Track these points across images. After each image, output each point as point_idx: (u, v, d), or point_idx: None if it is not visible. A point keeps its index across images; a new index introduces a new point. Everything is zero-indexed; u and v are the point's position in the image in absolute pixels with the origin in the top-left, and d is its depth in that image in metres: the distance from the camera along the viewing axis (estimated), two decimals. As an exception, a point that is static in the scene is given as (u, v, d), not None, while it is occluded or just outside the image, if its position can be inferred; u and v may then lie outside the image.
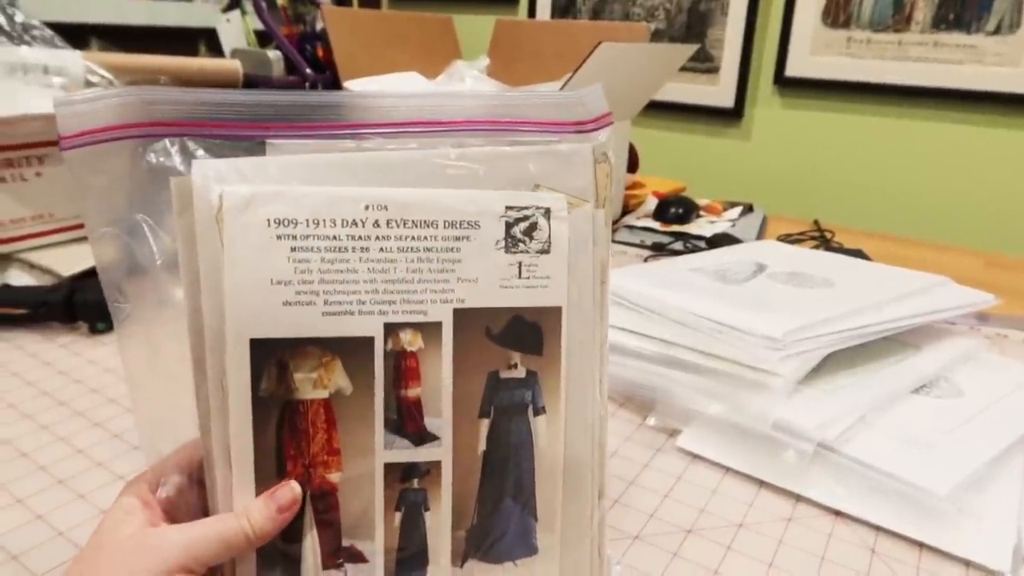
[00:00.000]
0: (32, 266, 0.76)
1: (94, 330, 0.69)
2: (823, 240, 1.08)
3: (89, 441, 0.52)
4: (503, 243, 0.32)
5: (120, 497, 0.31)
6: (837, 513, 0.48)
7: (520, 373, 0.33)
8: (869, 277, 0.71)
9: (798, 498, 0.50)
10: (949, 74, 1.53)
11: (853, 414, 0.52)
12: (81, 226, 0.81)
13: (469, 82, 1.16)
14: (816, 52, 1.67)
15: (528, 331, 0.33)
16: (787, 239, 1.07)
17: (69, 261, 0.76)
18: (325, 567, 0.32)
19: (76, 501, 0.46)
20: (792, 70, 1.71)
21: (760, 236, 1.10)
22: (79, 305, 0.68)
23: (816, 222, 1.17)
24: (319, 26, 1.20)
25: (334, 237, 0.31)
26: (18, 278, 0.75)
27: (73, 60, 0.81)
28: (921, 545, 0.45)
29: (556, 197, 0.33)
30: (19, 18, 0.79)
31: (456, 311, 0.32)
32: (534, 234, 0.33)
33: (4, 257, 0.76)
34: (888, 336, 0.60)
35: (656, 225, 1.11)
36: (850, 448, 0.50)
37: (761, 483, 0.51)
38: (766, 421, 0.51)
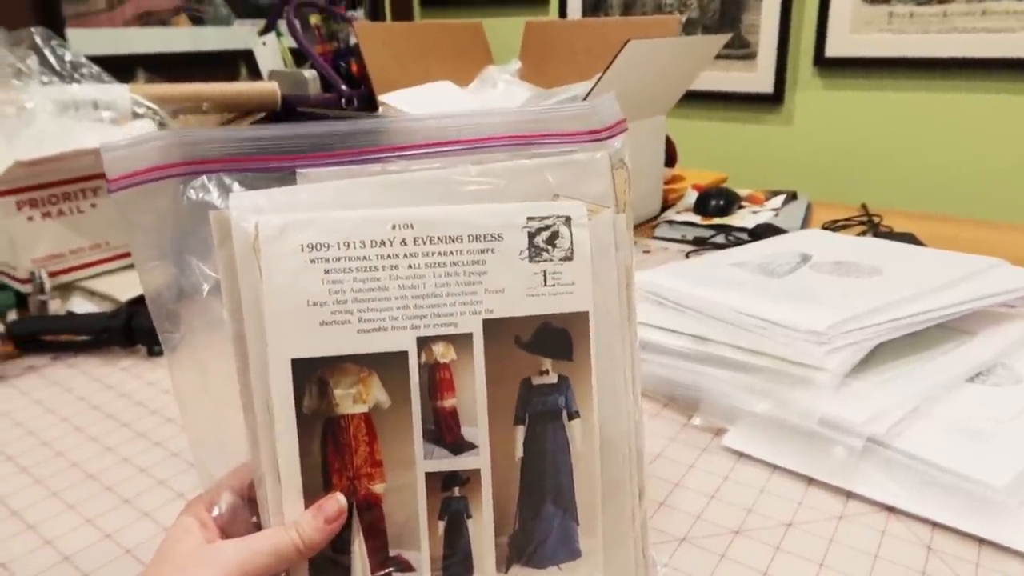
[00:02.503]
0: (92, 293, 0.80)
1: (152, 353, 0.72)
2: (871, 225, 1.06)
3: (150, 461, 0.54)
4: (527, 253, 0.33)
5: (179, 517, 0.33)
6: (890, 509, 0.47)
7: (552, 379, 0.34)
8: (919, 262, 0.69)
9: (849, 495, 0.49)
10: (1000, 43, 1.48)
11: (905, 406, 0.51)
12: (135, 253, 0.85)
13: (501, 86, 1.17)
14: (856, 30, 1.63)
15: (557, 337, 0.33)
16: (833, 226, 1.05)
17: (126, 287, 0.79)
18: (374, 576, 0.33)
19: (141, 519, 0.48)
20: (832, 50, 1.67)
21: (805, 224, 1.07)
22: (137, 329, 0.71)
23: (864, 206, 1.14)
24: (352, 41, 1.23)
25: (364, 258, 0.32)
26: (80, 305, 0.79)
27: (120, 94, 0.84)
28: (981, 540, 0.44)
29: (576, 205, 0.33)
30: (68, 57, 0.83)
31: (485, 321, 0.33)
32: (556, 242, 0.33)
33: (66, 286, 0.80)
34: (941, 323, 0.58)
35: (697, 219, 1.10)
36: (902, 442, 0.48)
37: (810, 480, 0.50)
38: (813, 417, 0.51)
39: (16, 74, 0.77)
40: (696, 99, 1.87)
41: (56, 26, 1.58)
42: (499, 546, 0.34)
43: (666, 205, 1.19)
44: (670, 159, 1.23)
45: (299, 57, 1.28)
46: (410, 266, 0.32)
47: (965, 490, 0.45)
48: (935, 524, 0.45)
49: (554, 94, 1.05)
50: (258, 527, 0.33)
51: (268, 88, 1.04)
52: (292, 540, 0.31)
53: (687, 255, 0.98)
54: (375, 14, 2.30)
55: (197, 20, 1.84)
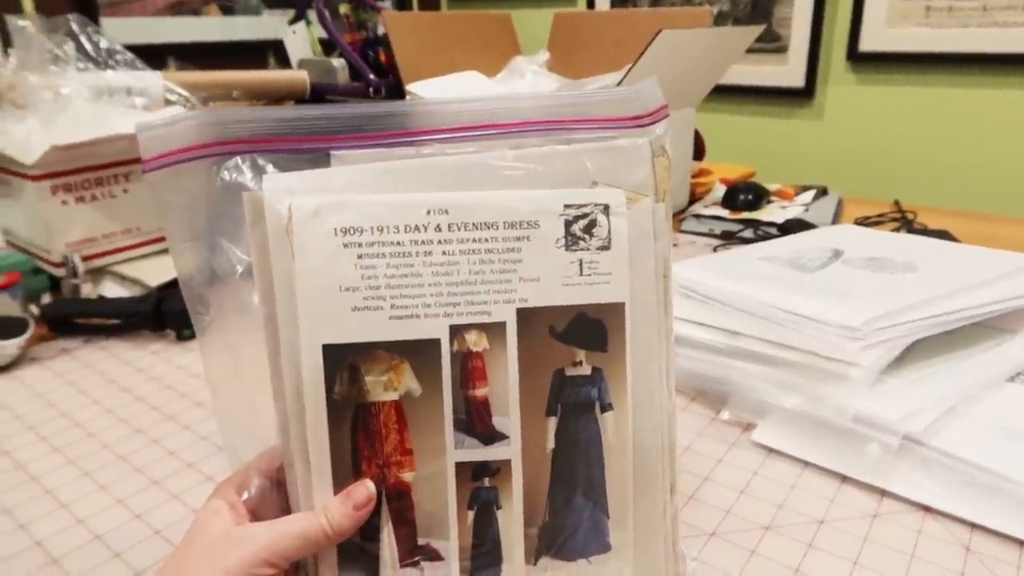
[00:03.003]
0: (123, 278, 0.81)
1: (181, 337, 0.73)
2: (904, 222, 1.03)
3: (179, 443, 0.55)
4: (563, 241, 0.32)
5: (209, 499, 0.33)
6: (927, 509, 0.46)
7: (585, 370, 0.33)
8: (956, 259, 0.67)
9: (883, 493, 0.48)
10: (1041, 38, 1.44)
11: (942, 405, 0.50)
12: (165, 238, 0.86)
13: (529, 77, 1.16)
14: (892, 24, 1.59)
15: (592, 328, 0.33)
16: (865, 222, 1.03)
17: (156, 272, 0.80)
18: (402, 564, 0.33)
19: (170, 501, 0.48)
20: (866, 44, 1.64)
21: (836, 220, 1.06)
22: (166, 313, 0.72)
23: (896, 203, 1.12)
24: (381, 31, 1.23)
25: (398, 243, 0.31)
26: (111, 290, 0.80)
27: (153, 81, 0.85)
28: (1022, 543, 0.43)
29: (614, 193, 0.33)
30: (103, 44, 0.84)
31: (519, 311, 0.32)
32: (594, 231, 0.32)
33: (98, 271, 0.81)
34: (979, 322, 0.57)
35: (725, 213, 1.09)
36: (939, 440, 0.47)
37: (843, 478, 0.49)
38: (846, 414, 0.50)
39: (53, 60, 0.78)
40: (725, 93, 1.85)
41: (90, 15, 1.60)
42: (528, 537, 0.33)
43: (693, 199, 1.17)
44: (698, 153, 1.21)
45: (328, 46, 1.28)
46: (444, 252, 0.31)
47: (1005, 491, 0.44)
48: (974, 525, 0.44)
49: (583, 85, 1.04)
50: (288, 510, 0.33)
51: (298, 76, 1.05)
52: (321, 525, 0.31)
53: (715, 249, 0.97)
54: (402, 3, 2.30)
55: (227, 10, 1.85)
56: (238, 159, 0.32)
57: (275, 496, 0.34)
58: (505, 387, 0.32)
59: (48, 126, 0.74)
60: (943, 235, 0.91)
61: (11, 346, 0.66)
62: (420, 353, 0.32)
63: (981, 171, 1.57)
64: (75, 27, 0.81)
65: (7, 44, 0.79)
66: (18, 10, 1.52)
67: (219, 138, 0.32)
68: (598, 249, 0.32)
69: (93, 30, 0.83)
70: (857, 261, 0.67)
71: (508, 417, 0.33)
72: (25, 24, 0.77)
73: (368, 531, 0.32)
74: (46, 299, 0.78)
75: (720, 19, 1.84)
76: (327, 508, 0.31)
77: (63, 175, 0.77)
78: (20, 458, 0.53)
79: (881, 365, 0.52)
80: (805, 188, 1.19)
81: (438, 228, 0.31)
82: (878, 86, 1.66)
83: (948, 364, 0.55)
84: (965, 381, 0.52)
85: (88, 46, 0.81)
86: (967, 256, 0.69)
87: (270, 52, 1.92)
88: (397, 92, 1.14)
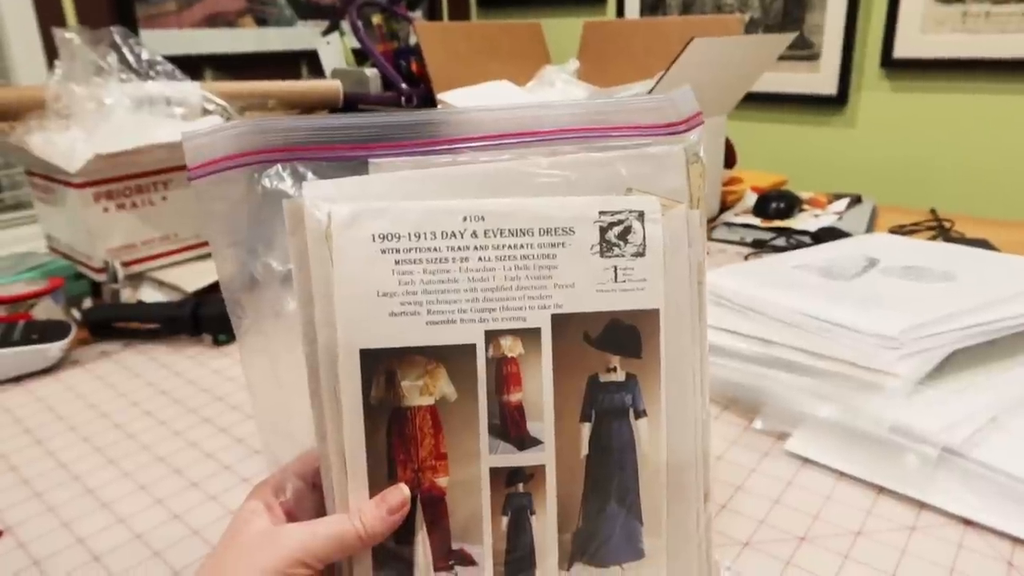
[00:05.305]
0: (161, 283, 0.83)
1: (216, 342, 0.74)
2: (941, 230, 1.02)
3: (216, 446, 0.56)
4: (598, 248, 0.32)
5: (247, 500, 0.34)
6: (967, 522, 0.45)
7: (619, 377, 0.33)
8: (995, 268, 0.66)
9: (922, 505, 0.47)
10: (1083, 42, 1.41)
11: (982, 416, 0.49)
12: (202, 244, 0.87)
13: (559, 86, 1.16)
14: (928, 30, 1.57)
15: (626, 334, 0.33)
16: (900, 230, 1.01)
17: (193, 278, 0.82)
18: (436, 569, 0.33)
19: (208, 502, 0.49)
20: (901, 51, 1.62)
21: (870, 229, 1.04)
22: (203, 319, 0.73)
23: (933, 211, 1.10)
24: (412, 40, 1.24)
25: (435, 249, 0.32)
26: (150, 295, 0.81)
27: (192, 91, 0.87)
28: (1066, 558, 0.42)
29: (649, 200, 0.33)
30: (144, 55, 0.86)
31: (554, 316, 0.32)
32: (628, 237, 0.32)
33: (137, 276, 0.83)
34: (1020, 332, 0.56)
35: (756, 221, 1.08)
36: (979, 452, 0.46)
37: (880, 489, 0.48)
38: (883, 424, 0.49)
39: (97, 71, 0.80)
40: (756, 100, 1.83)
41: (130, 27, 1.64)
42: (562, 543, 0.33)
43: (724, 207, 1.16)
44: (729, 161, 1.21)
45: (361, 56, 1.30)
46: (480, 259, 0.32)
47: (1050, 506, 0.43)
48: (1016, 539, 0.43)
49: (613, 93, 1.04)
50: (324, 513, 0.34)
51: (332, 86, 1.06)
52: (355, 528, 0.31)
53: (745, 258, 0.96)
54: (432, 14, 2.32)
55: (262, 21, 1.88)
56: (278, 167, 0.33)
57: (311, 498, 0.35)
58: (539, 392, 0.33)
59: (91, 135, 0.76)
60: (982, 244, 0.89)
61: (54, 349, 0.68)
62: (456, 358, 0.32)
63: (1020, 179, 1.54)
64: (117, 39, 0.83)
65: (53, 56, 0.82)
66: (63, 23, 1.56)
67: (260, 146, 0.33)
68: (633, 256, 0.33)
69: (135, 42, 0.85)
70: (893, 270, 0.66)
71: (542, 422, 0.33)
72: (71, 37, 0.79)
73: (402, 535, 0.32)
74: (87, 304, 0.80)
75: (751, 26, 1.83)
76: (361, 511, 0.32)
77: (105, 183, 0.79)
78: (63, 458, 0.55)
79: (919, 375, 0.51)
80: (838, 196, 1.17)
81: (474, 234, 0.32)
82: (913, 93, 1.64)
83: (988, 375, 0.54)
84: (1006, 392, 0.51)
85: (130, 57, 0.84)
86: (1007, 265, 0.67)
87: (303, 62, 1.95)
88: (429, 101, 1.16)
